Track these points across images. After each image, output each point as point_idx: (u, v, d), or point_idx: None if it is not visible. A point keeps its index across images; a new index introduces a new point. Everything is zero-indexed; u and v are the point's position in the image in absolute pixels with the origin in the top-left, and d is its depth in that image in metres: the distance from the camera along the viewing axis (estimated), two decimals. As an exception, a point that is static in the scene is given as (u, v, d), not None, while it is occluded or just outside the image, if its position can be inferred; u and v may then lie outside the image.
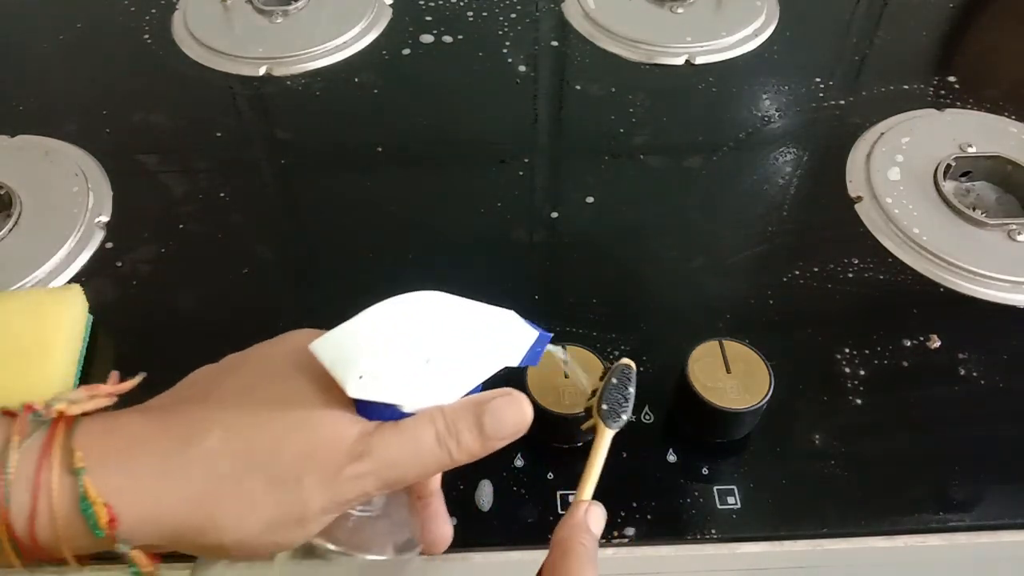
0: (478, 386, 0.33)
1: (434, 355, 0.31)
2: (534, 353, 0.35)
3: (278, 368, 0.32)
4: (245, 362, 0.33)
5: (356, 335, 0.31)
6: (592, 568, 0.32)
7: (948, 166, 0.58)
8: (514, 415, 0.32)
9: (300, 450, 0.29)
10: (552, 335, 0.36)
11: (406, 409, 0.31)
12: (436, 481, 0.37)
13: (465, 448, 0.31)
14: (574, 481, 0.42)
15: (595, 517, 0.35)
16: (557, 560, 0.32)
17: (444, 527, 0.37)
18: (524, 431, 0.32)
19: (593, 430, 0.37)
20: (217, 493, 0.28)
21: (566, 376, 0.42)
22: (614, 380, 0.37)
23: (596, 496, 0.42)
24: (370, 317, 0.32)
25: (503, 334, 0.34)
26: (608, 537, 0.41)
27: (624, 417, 0.37)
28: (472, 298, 0.34)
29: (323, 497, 0.29)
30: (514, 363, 0.34)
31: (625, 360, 0.38)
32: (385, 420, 0.30)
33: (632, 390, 0.38)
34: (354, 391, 0.29)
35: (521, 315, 0.35)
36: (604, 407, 0.37)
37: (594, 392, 0.38)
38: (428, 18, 0.73)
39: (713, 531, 0.41)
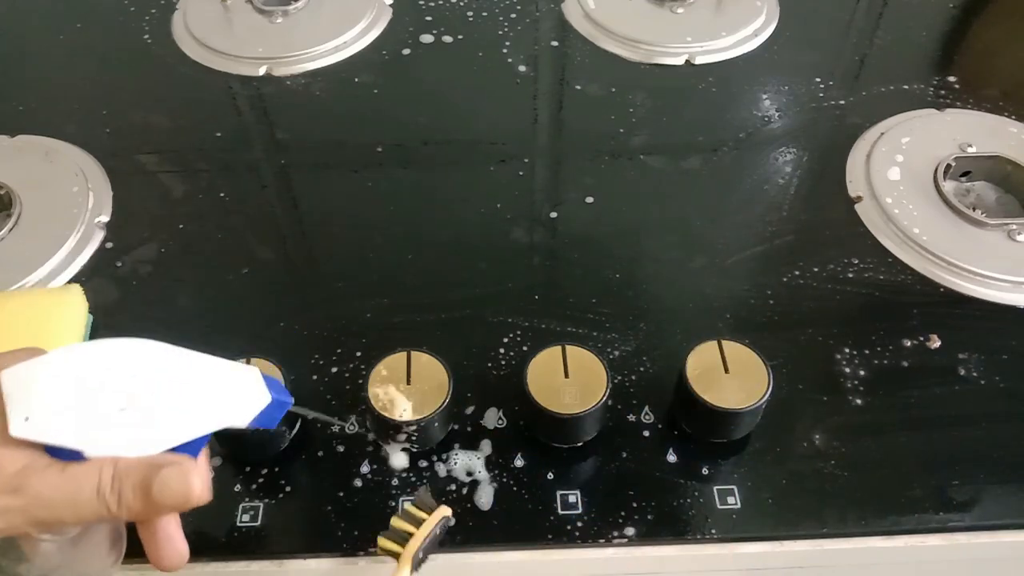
0: (198, 440, 0.32)
1: (133, 404, 0.30)
2: (269, 416, 0.34)
3: None
4: None
5: (44, 372, 0.30)
6: None
7: (948, 166, 0.58)
8: (179, 486, 0.30)
9: None
10: (292, 401, 0.35)
11: (87, 454, 0.30)
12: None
13: (126, 506, 0.30)
14: (574, 481, 0.43)
15: None
16: None
17: (174, 551, 0.34)
18: (193, 504, 0.31)
19: (390, 555, 0.38)
20: None
21: (567, 376, 0.42)
22: (437, 531, 0.38)
23: (600, 496, 0.42)
24: (66, 357, 0.31)
25: (231, 393, 0.33)
26: (608, 537, 0.41)
27: (425, 561, 0.38)
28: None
29: None
30: (241, 423, 0.33)
31: (446, 512, 0.39)
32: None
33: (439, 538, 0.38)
34: (15, 430, 0.29)
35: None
36: (420, 555, 0.37)
37: (408, 534, 0.38)
38: (428, 18, 0.73)
39: (713, 531, 0.41)
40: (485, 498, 0.42)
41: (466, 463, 0.43)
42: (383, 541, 0.38)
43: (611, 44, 0.71)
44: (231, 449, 0.44)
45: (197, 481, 0.31)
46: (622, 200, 0.58)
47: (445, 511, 0.39)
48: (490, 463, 0.43)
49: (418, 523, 0.38)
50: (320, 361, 0.48)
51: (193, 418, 0.32)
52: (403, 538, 0.38)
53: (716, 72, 0.69)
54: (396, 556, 0.37)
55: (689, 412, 0.43)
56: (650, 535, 0.41)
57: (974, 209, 0.56)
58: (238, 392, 0.33)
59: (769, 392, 0.42)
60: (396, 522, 0.38)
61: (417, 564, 0.37)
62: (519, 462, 0.44)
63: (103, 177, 0.59)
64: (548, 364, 0.43)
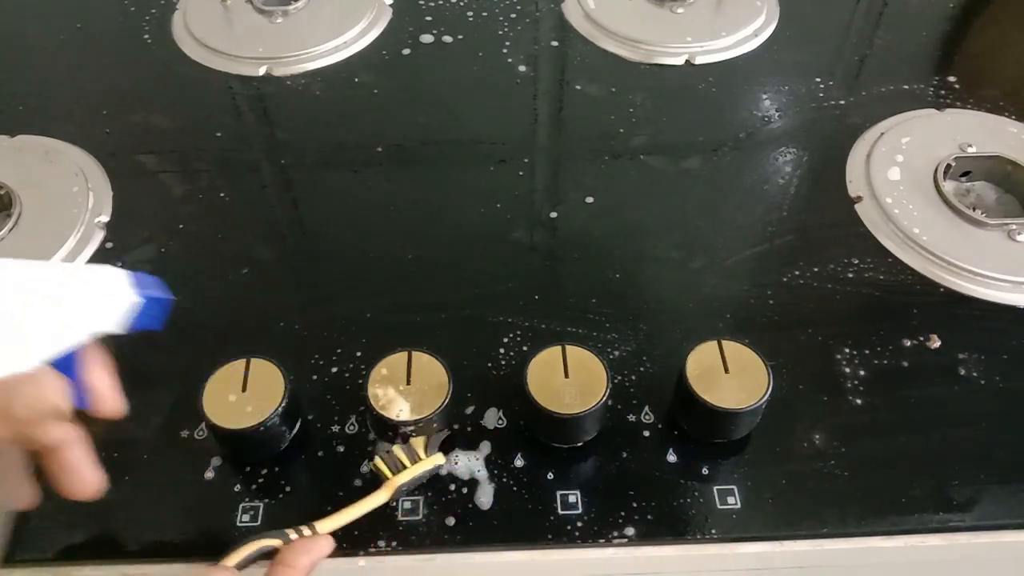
0: (69, 355, 0.31)
1: None
2: (150, 317, 0.32)
3: None
4: None
5: None
6: None
7: (948, 166, 0.58)
8: (36, 398, 0.30)
9: None
10: (172, 298, 0.33)
11: None
12: (59, 432, 0.33)
13: None
14: (574, 481, 0.43)
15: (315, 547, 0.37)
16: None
17: (79, 479, 0.34)
18: (57, 408, 0.31)
19: (377, 477, 0.41)
20: None
21: (567, 376, 0.42)
22: (426, 474, 0.41)
23: (600, 496, 0.42)
24: None
25: (90, 300, 0.31)
26: (608, 537, 0.41)
27: (404, 494, 0.42)
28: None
29: None
30: (113, 329, 0.32)
31: (441, 460, 0.42)
32: None
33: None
34: None
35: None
36: (403, 486, 0.41)
37: (403, 465, 0.41)
38: (428, 18, 0.73)
39: (713, 531, 0.41)
40: (485, 498, 0.42)
41: (466, 463, 0.43)
42: (379, 462, 0.41)
43: (611, 44, 0.71)
44: (231, 449, 0.44)
45: (51, 389, 0.30)
46: (622, 200, 0.58)
47: (440, 460, 0.42)
48: (490, 463, 0.43)
49: (415, 459, 0.41)
50: (320, 361, 0.48)
51: (51, 333, 0.30)
52: (397, 467, 0.41)
53: (716, 72, 0.69)
54: (383, 479, 0.41)
55: (689, 412, 0.43)
56: (650, 535, 0.41)
57: (974, 209, 0.56)
58: (98, 298, 0.32)
59: (769, 392, 0.42)
60: (397, 451, 0.41)
61: (399, 495, 0.41)
62: (519, 462, 0.44)
63: (103, 177, 0.59)
64: (548, 364, 0.43)
